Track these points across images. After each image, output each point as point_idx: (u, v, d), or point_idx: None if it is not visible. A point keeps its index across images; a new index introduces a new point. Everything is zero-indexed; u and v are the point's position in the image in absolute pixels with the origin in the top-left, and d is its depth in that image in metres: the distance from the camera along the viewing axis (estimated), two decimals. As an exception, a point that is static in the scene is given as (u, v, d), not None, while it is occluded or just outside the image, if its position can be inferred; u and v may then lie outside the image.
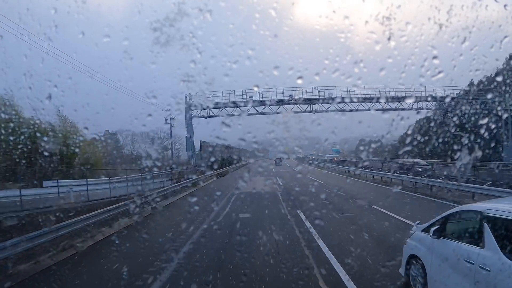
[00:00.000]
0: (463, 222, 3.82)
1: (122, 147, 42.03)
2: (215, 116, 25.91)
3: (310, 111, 26.40)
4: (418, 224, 4.77)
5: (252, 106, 24.36)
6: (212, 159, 23.37)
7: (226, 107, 24.74)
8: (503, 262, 2.95)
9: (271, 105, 24.88)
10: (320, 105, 26.13)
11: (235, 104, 23.10)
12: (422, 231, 4.44)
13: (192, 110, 24.99)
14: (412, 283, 4.43)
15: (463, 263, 3.42)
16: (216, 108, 24.90)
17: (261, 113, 25.65)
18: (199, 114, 26.88)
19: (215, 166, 23.85)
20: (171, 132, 28.86)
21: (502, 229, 3.15)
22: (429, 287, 3.99)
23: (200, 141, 27.40)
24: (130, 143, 44.02)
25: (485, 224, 3.30)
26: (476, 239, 3.40)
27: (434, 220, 4.26)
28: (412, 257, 4.50)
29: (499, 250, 3.05)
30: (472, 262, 3.30)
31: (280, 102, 24.56)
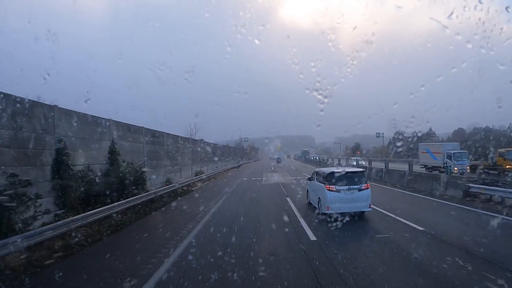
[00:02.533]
0: (315, 174, 11.26)
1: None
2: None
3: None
4: (308, 177, 12.31)
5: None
6: None
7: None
8: (317, 183, 10.48)
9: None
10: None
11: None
12: (307, 180, 11.99)
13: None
14: (307, 200, 11.96)
15: (312, 187, 10.98)
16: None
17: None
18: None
19: None
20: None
21: (319, 175, 10.66)
22: (309, 199, 11.53)
23: None
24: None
25: (315, 173, 10.84)
26: (315, 179, 10.90)
27: (310, 175, 11.83)
28: (307, 191, 12.04)
29: (315, 180, 10.58)
30: (314, 186, 10.85)
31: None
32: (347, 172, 9.39)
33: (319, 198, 9.74)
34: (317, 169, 11.49)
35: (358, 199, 9.07)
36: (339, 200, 8.96)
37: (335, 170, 9.48)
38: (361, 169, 10.22)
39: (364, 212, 9.41)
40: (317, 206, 9.96)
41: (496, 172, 19.93)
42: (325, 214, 9.03)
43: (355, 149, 69.24)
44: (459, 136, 45.94)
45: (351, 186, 9.05)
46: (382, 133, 51.57)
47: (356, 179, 9.25)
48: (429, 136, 50.61)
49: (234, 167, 41.34)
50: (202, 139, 29.70)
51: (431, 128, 49.94)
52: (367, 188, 9.25)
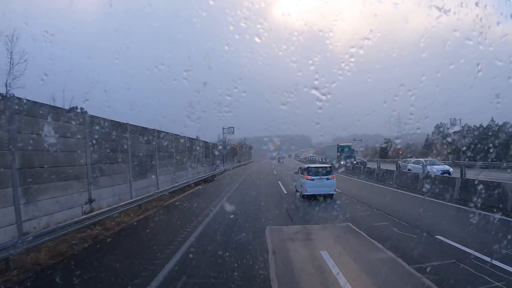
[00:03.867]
0: (300, 169, 15.62)
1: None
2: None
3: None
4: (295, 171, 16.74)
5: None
6: None
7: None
8: (300, 175, 14.91)
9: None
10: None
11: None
12: (294, 173, 16.44)
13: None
14: (295, 190, 16.40)
15: (299, 179, 15.41)
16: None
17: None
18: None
19: None
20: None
21: (304, 170, 15.07)
22: (296, 187, 15.96)
23: None
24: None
25: (300, 169, 15.29)
26: (299, 173, 15.31)
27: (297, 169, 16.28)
28: (294, 180, 16.48)
29: (300, 173, 15.02)
30: (299, 177, 15.30)
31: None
32: (319, 167, 13.84)
33: (301, 185, 14.18)
34: (301, 166, 15.95)
35: (326, 185, 13.49)
36: (313, 186, 13.38)
37: (311, 166, 13.94)
38: (329, 165, 14.70)
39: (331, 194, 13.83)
40: (299, 191, 14.39)
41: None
42: (304, 195, 13.49)
43: (385, 149, 53.46)
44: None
45: (322, 177, 13.49)
46: (448, 126, 39.78)
47: (325, 172, 13.68)
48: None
49: (200, 182, 20.81)
50: (98, 117, 10.64)
51: (493, 118, 42.57)
52: (333, 178, 13.68)
